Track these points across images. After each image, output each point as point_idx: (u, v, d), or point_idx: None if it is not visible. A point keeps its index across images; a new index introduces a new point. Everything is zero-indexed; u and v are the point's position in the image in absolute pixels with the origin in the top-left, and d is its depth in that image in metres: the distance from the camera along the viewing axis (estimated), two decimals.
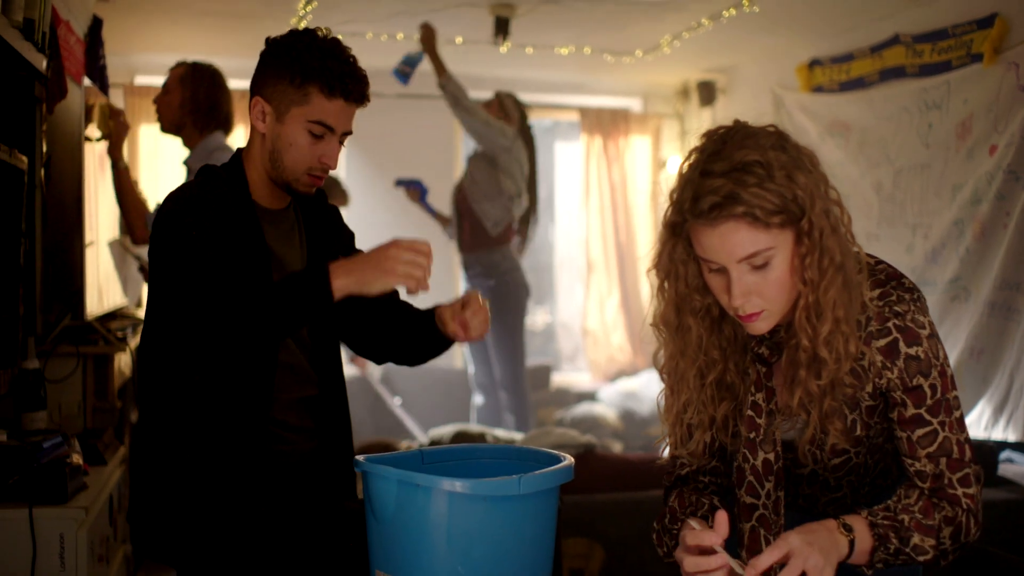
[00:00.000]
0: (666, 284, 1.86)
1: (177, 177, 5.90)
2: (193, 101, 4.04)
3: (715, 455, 2.00)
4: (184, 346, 2.13)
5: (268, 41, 2.32)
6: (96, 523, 2.98)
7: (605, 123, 7.57)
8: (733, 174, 1.67)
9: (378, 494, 1.84)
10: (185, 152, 4.13)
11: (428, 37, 5.36)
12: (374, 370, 6.21)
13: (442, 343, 2.40)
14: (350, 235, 2.54)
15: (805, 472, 1.93)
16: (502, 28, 5.40)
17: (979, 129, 4.68)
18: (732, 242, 1.69)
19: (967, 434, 1.82)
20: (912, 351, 1.77)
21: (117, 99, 6.11)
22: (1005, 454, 4.45)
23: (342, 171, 6.61)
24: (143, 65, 6.47)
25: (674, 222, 1.78)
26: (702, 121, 7.36)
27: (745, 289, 1.72)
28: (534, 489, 1.82)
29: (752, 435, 1.89)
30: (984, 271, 4.58)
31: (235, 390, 2.24)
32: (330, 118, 2.28)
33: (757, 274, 1.72)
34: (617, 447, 5.61)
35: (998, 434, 4.45)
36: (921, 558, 1.77)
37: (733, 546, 1.90)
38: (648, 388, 7.04)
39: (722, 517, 1.70)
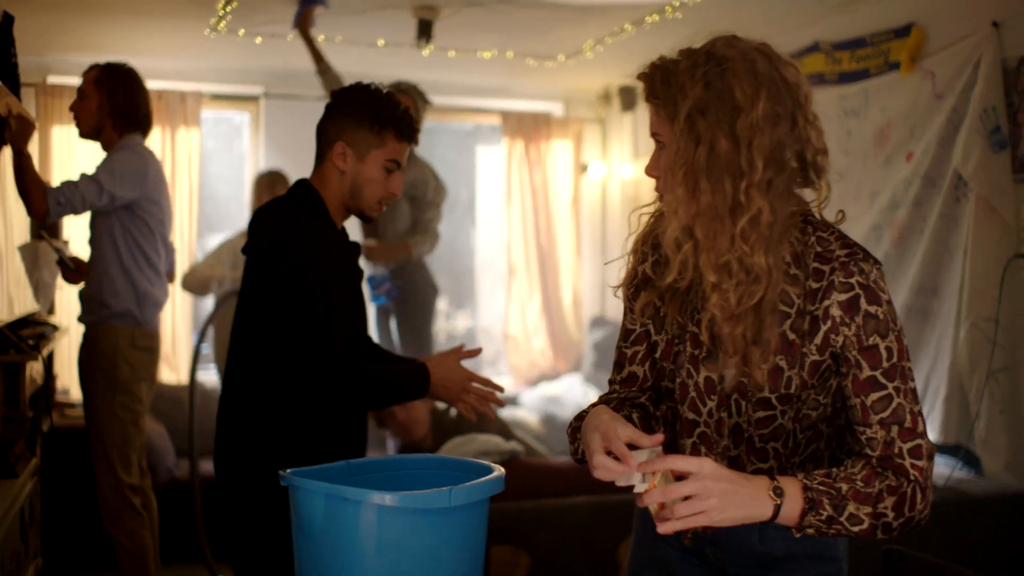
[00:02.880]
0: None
1: None
2: (111, 103, 3.96)
3: (646, 391, 2.04)
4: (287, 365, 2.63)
5: (335, 94, 2.87)
6: (6, 538, 2.89)
7: (527, 127, 7.56)
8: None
9: (305, 508, 1.79)
10: (102, 155, 4.03)
11: (304, 22, 5.25)
12: None
13: None
14: (357, 246, 2.97)
15: (731, 425, 1.91)
16: (425, 31, 5.36)
17: (897, 136, 4.75)
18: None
19: (920, 407, 1.80)
20: (872, 309, 1.78)
21: (29, 99, 5.96)
22: None
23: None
24: (57, 64, 6.31)
25: None
26: (623, 126, 7.40)
27: (652, 163, 1.90)
28: (465, 501, 1.78)
29: (696, 352, 1.91)
30: (901, 276, 4.65)
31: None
32: (400, 157, 2.78)
33: (659, 154, 1.88)
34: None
35: None
36: (856, 528, 1.72)
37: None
38: (570, 392, 7.05)
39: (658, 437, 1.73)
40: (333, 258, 2.68)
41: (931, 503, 1.78)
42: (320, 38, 5.52)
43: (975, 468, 4.30)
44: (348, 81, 5.35)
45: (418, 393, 2.73)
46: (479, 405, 2.74)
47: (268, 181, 5.82)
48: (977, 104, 4.22)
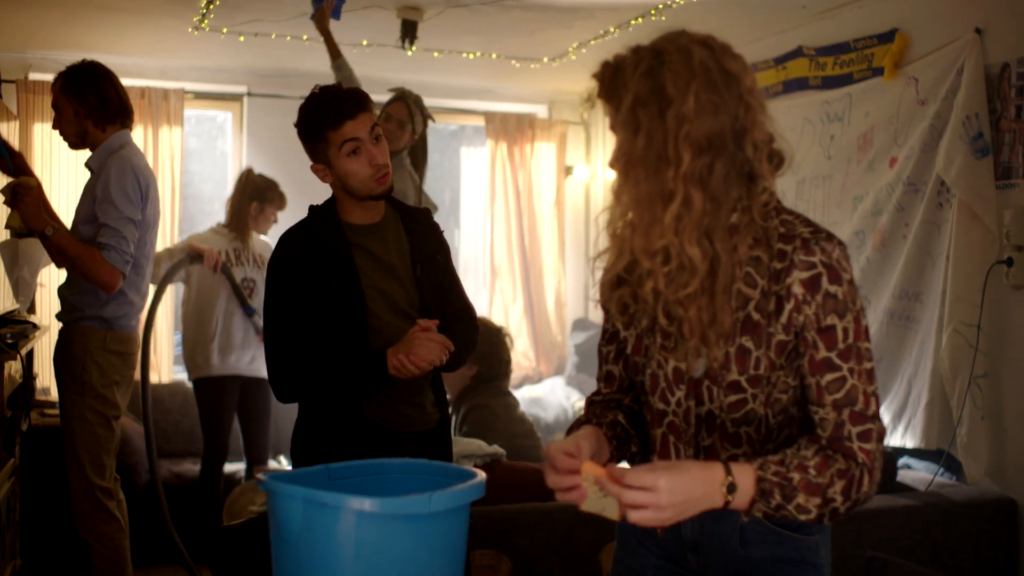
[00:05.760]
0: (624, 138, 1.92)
1: (77, 176, 5.69)
2: (84, 105, 3.91)
3: (627, 391, 2.08)
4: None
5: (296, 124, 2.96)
6: None
7: (511, 129, 7.55)
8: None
9: (283, 513, 1.78)
10: (86, 155, 4.00)
11: (320, 18, 5.23)
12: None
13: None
14: (447, 247, 3.11)
15: (703, 412, 1.91)
16: (409, 32, 5.34)
17: (880, 141, 4.76)
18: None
19: (875, 387, 1.82)
20: (832, 289, 1.79)
21: (10, 95, 5.93)
22: (903, 460, 4.53)
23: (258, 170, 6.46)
24: (38, 61, 6.28)
25: None
26: (607, 129, 7.38)
27: (612, 156, 1.90)
28: (445, 507, 1.78)
29: (665, 342, 1.93)
30: (884, 281, 4.66)
31: None
32: (349, 135, 2.84)
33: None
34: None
35: (896, 441, 4.53)
36: (803, 517, 1.76)
37: (646, 453, 2.03)
38: (553, 394, 7.03)
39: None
40: (286, 262, 2.87)
41: (877, 483, 1.81)
42: (304, 37, 5.50)
43: (957, 474, 4.31)
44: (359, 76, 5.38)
45: (377, 378, 2.81)
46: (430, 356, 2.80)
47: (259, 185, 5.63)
48: (960, 110, 4.22)
